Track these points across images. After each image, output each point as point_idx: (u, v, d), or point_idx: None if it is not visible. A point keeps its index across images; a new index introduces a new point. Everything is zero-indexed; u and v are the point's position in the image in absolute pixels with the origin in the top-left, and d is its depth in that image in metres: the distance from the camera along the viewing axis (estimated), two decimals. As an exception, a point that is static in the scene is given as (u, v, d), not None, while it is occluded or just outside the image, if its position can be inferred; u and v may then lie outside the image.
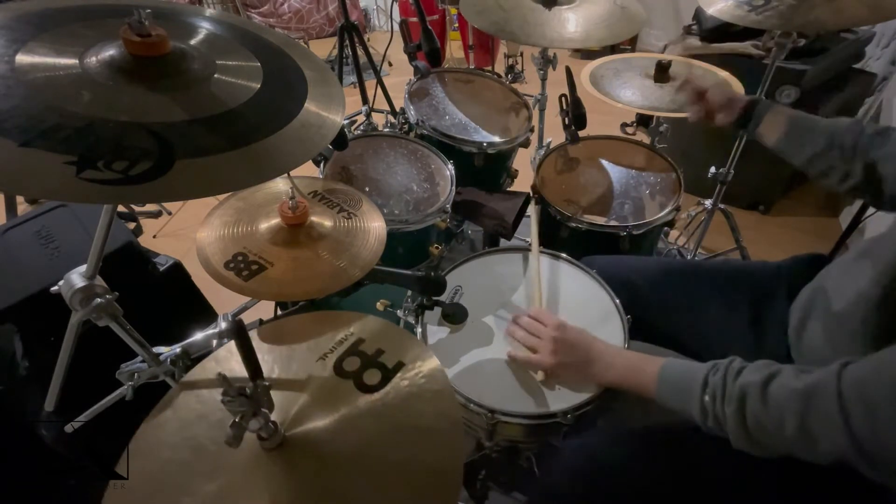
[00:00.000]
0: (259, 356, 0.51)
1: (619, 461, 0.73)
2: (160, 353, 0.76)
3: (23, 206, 2.16)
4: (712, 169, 1.52)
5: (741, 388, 0.58)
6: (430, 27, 1.36)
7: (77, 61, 0.54)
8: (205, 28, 0.67)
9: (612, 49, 2.75)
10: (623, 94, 1.30)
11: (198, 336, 0.78)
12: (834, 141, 0.79)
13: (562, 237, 1.24)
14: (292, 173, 0.87)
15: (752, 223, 2.15)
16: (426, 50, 1.37)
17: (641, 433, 0.76)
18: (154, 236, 2.16)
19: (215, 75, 0.59)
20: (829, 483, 0.63)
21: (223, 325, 0.76)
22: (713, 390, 0.61)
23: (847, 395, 0.50)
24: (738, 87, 1.30)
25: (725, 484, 0.68)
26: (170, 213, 2.24)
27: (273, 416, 0.50)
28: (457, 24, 3.44)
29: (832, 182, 0.82)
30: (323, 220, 0.85)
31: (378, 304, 1.07)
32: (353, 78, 2.46)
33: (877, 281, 0.61)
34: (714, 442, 0.61)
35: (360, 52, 1.88)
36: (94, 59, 0.54)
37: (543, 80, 1.58)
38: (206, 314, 1.32)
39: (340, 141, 1.01)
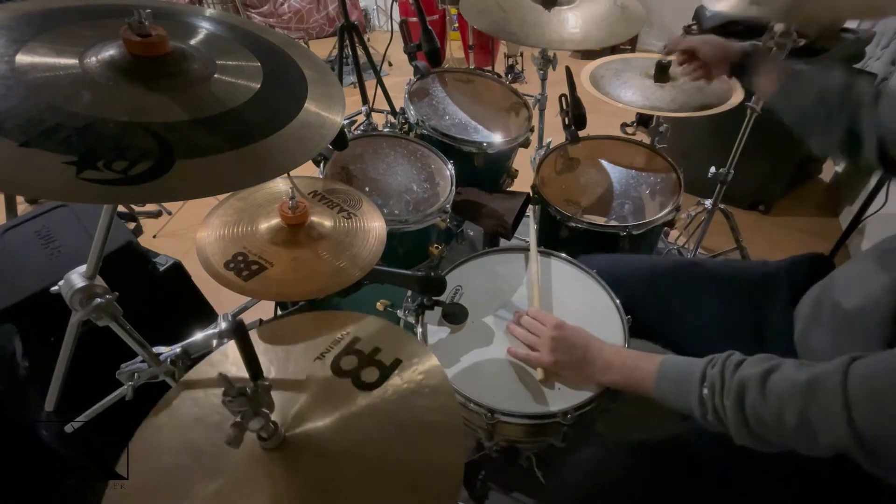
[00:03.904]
0: (257, 357, 0.51)
1: (621, 472, 0.73)
2: (160, 353, 0.76)
3: (23, 206, 2.16)
4: (712, 169, 1.52)
5: (740, 381, 0.58)
6: (430, 27, 1.36)
7: (77, 61, 0.54)
8: (205, 28, 0.67)
9: (613, 49, 2.75)
10: (623, 94, 1.30)
11: (198, 336, 0.78)
12: (823, 99, 0.78)
13: (562, 237, 1.24)
14: (292, 173, 0.87)
15: (752, 223, 2.15)
16: (426, 50, 1.37)
17: (642, 440, 0.75)
18: (154, 236, 2.16)
19: (215, 75, 0.59)
20: (831, 489, 0.63)
21: (223, 325, 0.76)
22: (711, 383, 0.60)
23: (852, 389, 0.49)
24: (737, 86, 1.30)
25: (729, 488, 0.68)
26: (170, 213, 2.24)
27: (273, 417, 0.50)
28: (457, 24, 3.44)
29: (814, 144, 0.81)
30: (323, 220, 0.85)
31: (378, 304, 1.07)
32: (353, 78, 2.46)
33: (890, 289, 0.60)
34: (715, 447, 0.61)
35: (360, 52, 1.88)
36: (94, 59, 0.54)
37: (543, 80, 1.58)
38: (206, 314, 1.32)
39: (340, 141, 1.01)
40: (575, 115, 1.29)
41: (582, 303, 0.94)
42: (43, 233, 1.11)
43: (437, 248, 1.24)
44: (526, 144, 1.41)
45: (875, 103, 0.73)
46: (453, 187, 1.22)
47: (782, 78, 0.84)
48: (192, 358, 0.77)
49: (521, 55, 2.32)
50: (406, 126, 1.36)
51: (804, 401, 0.52)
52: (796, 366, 0.56)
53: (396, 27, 1.52)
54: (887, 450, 0.48)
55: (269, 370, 0.60)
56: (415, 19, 1.41)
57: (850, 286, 0.70)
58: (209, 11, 0.80)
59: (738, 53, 0.91)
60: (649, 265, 1.01)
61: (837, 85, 0.77)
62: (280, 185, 0.92)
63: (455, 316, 0.90)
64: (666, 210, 1.23)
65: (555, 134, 1.49)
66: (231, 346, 0.63)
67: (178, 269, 1.22)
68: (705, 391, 0.61)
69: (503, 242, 1.43)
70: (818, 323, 0.74)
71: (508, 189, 1.55)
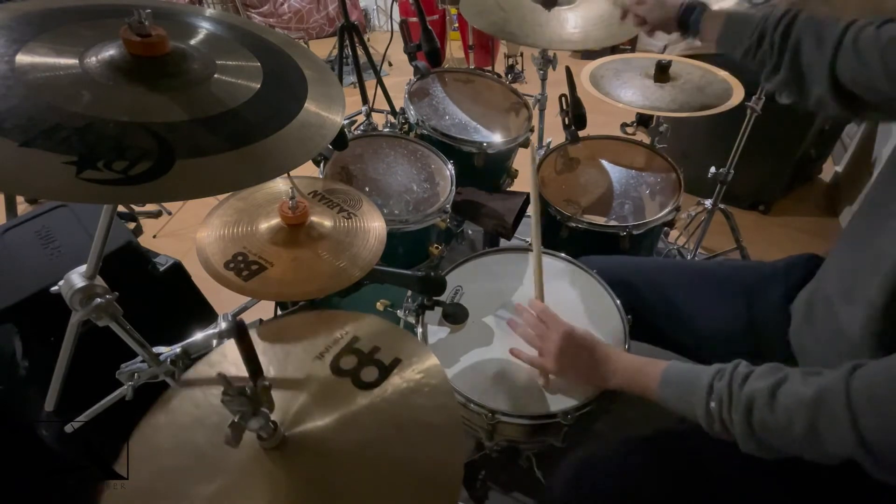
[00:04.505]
0: (255, 357, 0.51)
1: (621, 472, 0.72)
2: (160, 353, 0.76)
3: (23, 206, 2.15)
4: (712, 169, 1.52)
5: (748, 395, 0.57)
6: (430, 27, 1.36)
7: (77, 61, 0.54)
8: (205, 28, 0.67)
9: (613, 49, 2.75)
10: (623, 94, 1.30)
11: (198, 336, 0.78)
12: (765, 34, 0.77)
13: (562, 237, 1.24)
14: (292, 173, 0.87)
15: (752, 223, 2.15)
16: (426, 50, 1.37)
17: (642, 440, 0.75)
18: (154, 236, 2.16)
19: (215, 75, 0.59)
20: (831, 489, 0.63)
21: (223, 325, 0.75)
22: (719, 396, 0.60)
23: (856, 397, 0.50)
24: (737, 86, 1.30)
25: (729, 487, 0.68)
26: (170, 213, 2.24)
27: (272, 416, 0.50)
28: (457, 24, 3.44)
29: (763, 78, 0.80)
30: (323, 220, 0.85)
31: (378, 304, 1.07)
32: (353, 78, 2.46)
33: (883, 288, 0.59)
34: (716, 445, 0.61)
35: (360, 52, 1.88)
36: (94, 59, 0.54)
37: (543, 80, 1.58)
38: (206, 314, 1.32)
39: (340, 141, 1.01)
40: (575, 115, 1.30)
41: (582, 303, 0.94)
42: (43, 233, 1.11)
43: (437, 248, 1.24)
44: (526, 144, 1.41)
45: (820, 41, 0.71)
46: (453, 187, 1.22)
47: (723, 23, 0.84)
48: (192, 358, 0.77)
49: (521, 55, 2.32)
50: (406, 126, 1.36)
51: (811, 413, 0.52)
52: (802, 377, 0.56)
53: (396, 27, 1.52)
54: (893, 454, 0.48)
55: (269, 369, 0.60)
56: (415, 19, 1.41)
57: (840, 285, 0.69)
58: (209, 11, 0.80)
59: (679, 11, 0.91)
60: (649, 265, 1.01)
61: (778, 20, 0.76)
62: (280, 185, 0.92)
63: (455, 316, 0.89)
64: (666, 210, 1.23)
65: (555, 134, 1.49)
66: (230, 346, 0.63)
67: (178, 269, 1.21)
68: (713, 405, 0.60)
69: (503, 242, 1.43)
70: (811, 322, 0.74)
71: (508, 189, 1.55)
